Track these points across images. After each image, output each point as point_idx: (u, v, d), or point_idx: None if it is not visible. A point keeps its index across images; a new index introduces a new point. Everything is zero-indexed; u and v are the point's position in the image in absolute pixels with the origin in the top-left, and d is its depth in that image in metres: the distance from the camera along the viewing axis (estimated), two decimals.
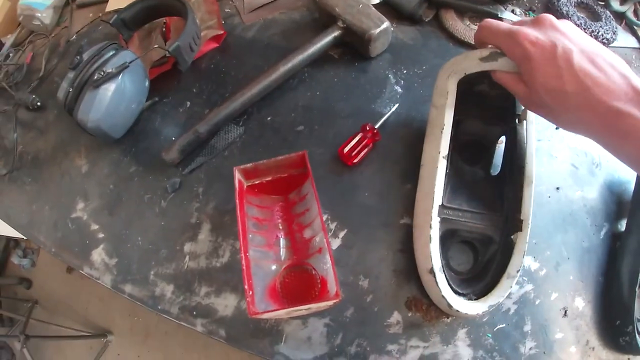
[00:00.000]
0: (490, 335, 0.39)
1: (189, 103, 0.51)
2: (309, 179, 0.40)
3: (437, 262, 0.38)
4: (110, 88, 0.46)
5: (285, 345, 0.39)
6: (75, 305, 1.43)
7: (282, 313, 0.35)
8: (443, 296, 0.37)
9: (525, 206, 0.39)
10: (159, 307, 0.42)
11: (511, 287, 0.37)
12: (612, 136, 0.29)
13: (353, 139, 0.44)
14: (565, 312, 0.41)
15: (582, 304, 0.41)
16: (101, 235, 0.46)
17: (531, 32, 0.31)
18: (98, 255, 0.45)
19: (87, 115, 0.46)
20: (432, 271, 0.37)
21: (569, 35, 0.30)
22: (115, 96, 0.46)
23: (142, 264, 0.44)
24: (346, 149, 0.43)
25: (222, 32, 0.54)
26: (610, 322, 0.40)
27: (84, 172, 0.50)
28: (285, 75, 0.48)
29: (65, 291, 1.46)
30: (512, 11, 0.58)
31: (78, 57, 0.46)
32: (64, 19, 0.66)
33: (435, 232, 0.38)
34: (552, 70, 0.29)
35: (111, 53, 0.48)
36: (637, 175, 0.46)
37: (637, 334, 0.38)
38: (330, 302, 0.35)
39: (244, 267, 0.36)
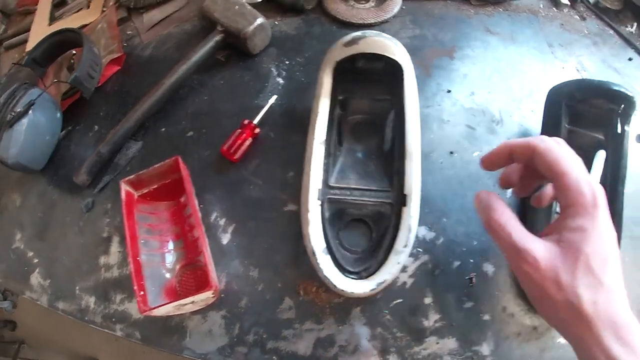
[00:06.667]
0: (387, 311, 0.39)
1: (97, 127, 0.54)
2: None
3: (317, 244, 0.38)
4: (22, 125, 0.50)
5: (191, 340, 0.41)
6: (60, 339, 1.41)
7: (170, 307, 0.38)
8: (325, 276, 0.37)
9: (408, 181, 0.39)
10: (86, 319, 0.45)
11: (399, 263, 0.37)
12: None
13: (232, 136, 0.45)
14: (472, 279, 0.40)
15: (491, 269, 0.40)
16: (36, 260, 0.50)
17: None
18: (35, 278, 0.49)
19: (6, 152, 0.50)
20: (313, 253, 0.38)
21: None
22: (29, 131, 0.50)
23: (69, 280, 0.47)
24: (226, 147, 0.45)
25: (120, 54, 0.56)
26: None
27: (18, 205, 0.54)
28: (172, 87, 0.50)
29: (48, 327, 1.44)
30: None
31: None
32: None
33: (314, 215, 0.39)
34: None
35: (22, 93, 0.52)
36: (543, 123, 0.44)
37: None
38: (209, 293, 0.37)
39: (132, 270, 0.39)
